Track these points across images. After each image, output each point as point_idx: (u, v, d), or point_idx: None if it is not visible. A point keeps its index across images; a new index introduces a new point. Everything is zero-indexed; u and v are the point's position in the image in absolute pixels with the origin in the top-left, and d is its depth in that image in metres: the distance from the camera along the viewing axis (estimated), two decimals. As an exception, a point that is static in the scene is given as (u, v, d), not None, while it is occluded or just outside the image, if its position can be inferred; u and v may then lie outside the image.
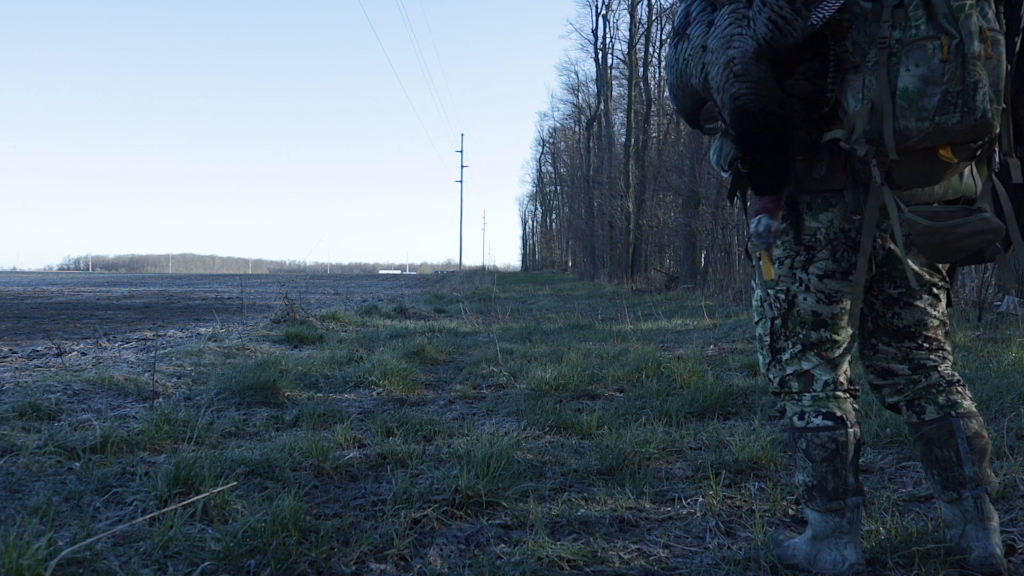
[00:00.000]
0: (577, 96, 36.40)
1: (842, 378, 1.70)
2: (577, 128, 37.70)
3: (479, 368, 4.69)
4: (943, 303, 1.73)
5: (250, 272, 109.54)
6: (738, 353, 5.32)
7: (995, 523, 1.65)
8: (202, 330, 7.29)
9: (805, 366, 1.68)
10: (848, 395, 1.70)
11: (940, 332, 1.73)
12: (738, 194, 1.81)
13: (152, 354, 4.97)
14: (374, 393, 3.99)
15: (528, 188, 76.40)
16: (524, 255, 71.77)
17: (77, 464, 2.45)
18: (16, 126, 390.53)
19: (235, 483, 2.18)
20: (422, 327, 7.48)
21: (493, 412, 3.58)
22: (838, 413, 1.65)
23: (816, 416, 1.65)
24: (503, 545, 1.85)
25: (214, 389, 3.76)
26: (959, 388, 1.72)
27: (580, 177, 34.36)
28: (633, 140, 22.07)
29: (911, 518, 1.85)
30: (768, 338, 1.73)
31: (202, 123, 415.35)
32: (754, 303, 1.78)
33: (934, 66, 1.39)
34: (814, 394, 1.67)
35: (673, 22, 1.75)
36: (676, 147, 19.22)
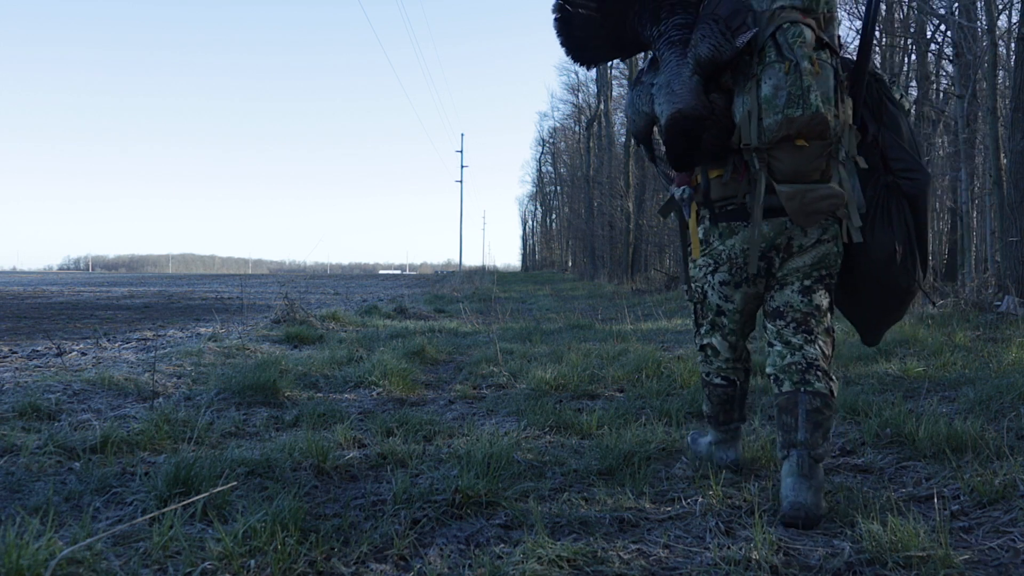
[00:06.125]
0: (577, 96, 36.39)
1: (737, 355, 2.38)
2: (577, 128, 37.66)
3: (479, 368, 4.69)
4: (817, 299, 2.20)
5: (250, 272, 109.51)
6: (738, 353, 5.31)
7: (816, 482, 2.00)
8: (202, 330, 7.29)
9: (711, 340, 2.39)
10: (741, 365, 2.40)
11: (810, 320, 2.19)
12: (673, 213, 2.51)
13: (152, 354, 4.97)
14: (374, 393, 3.99)
15: (528, 188, 76.47)
16: (524, 255, 71.72)
17: (77, 464, 2.45)
18: (16, 126, 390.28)
19: (235, 483, 2.18)
20: (422, 327, 7.47)
21: (493, 412, 3.58)
22: (732, 377, 2.40)
23: (717, 377, 2.41)
24: (503, 545, 1.85)
25: (214, 389, 3.76)
26: (817, 372, 2.14)
27: (580, 177, 34.34)
28: (633, 140, 22.03)
29: (911, 518, 1.85)
30: (694, 316, 2.45)
31: (202, 123, 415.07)
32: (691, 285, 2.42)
33: (780, 77, 2.06)
34: (718, 364, 2.39)
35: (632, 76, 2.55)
36: (676, 147, 19.15)
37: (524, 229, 71.67)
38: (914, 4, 13.33)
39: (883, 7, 14.87)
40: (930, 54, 14.88)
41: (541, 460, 2.59)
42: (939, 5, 12.22)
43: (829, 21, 2.20)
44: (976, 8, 10.93)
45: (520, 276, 43.47)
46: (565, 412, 3.28)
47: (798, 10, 2.12)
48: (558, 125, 44.18)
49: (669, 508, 2.13)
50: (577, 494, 2.23)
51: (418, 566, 1.73)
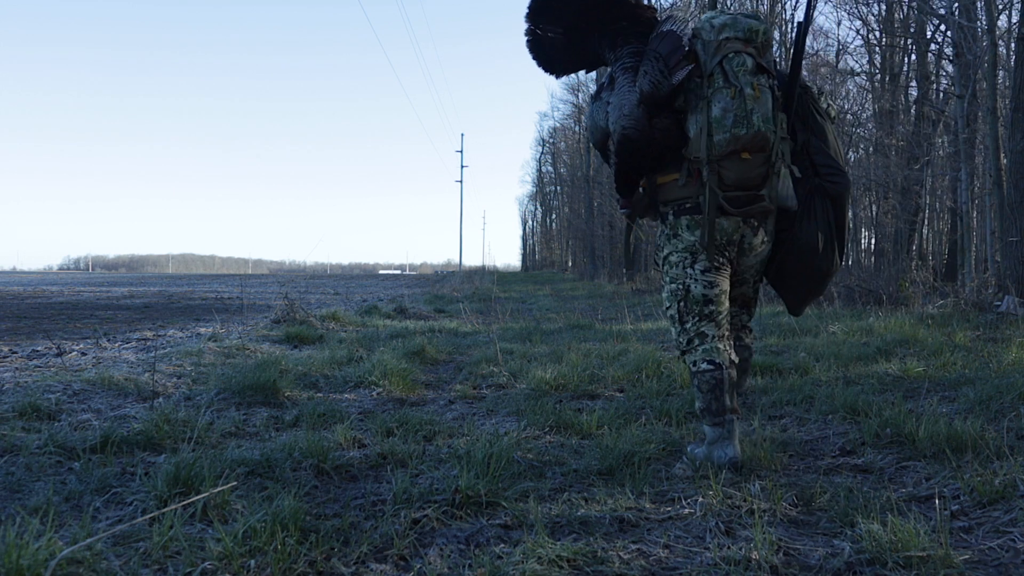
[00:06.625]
0: (577, 96, 36.38)
1: (723, 331, 2.58)
2: (577, 128, 37.61)
3: (479, 368, 4.69)
4: (757, 287, 2.81)
5: (250, 272, 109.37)
6: (738, 353, 5.30)
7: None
8: (202, 330, 7.29)
9: (701, 329, 2.56)
10: (725, 340, 2.57)
11: (751, 303, 2.83)
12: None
13: (152, 354, 4.97)
14: (374, 393, 3.99)
15: (528, 188, 76.46)
16: (524, 255, 71.72)
17: (77, 464, 2.44)
18: (16, 126, 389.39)
19: (235, 483, 2.18)
20: (422, 327, 7.47)
21: (493, 412, 3.58)
22: (717, 360, 2.51)
23: (703, 363, 2.51)
24: (503, 545, 1.85)
25: (214, 389, 3.76)
26: (748, 329, 2.86)
27: (580, 177, 34.33)
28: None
29: (911, 518, 1.85)
30: (677, 316, 2.60)
31: (202, 123, 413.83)
32: (664, 295, 2.67)
33: (727, 101, 2.41)
34: (705, 347, 2.53)
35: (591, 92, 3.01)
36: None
37: (524, 229, 71.72)
38: (914, 4, 13.33)
39: (883, 7, 14.85)
40: (930, 54, 14.88)
41: (541, 460, 2.59)
42: (939, 5, 12.22)
43: (767, 48, 2.56)
44: (976, 8, 10.94)
45: (520, 276, 43.46)
46: (565, 412, 3.28)
47: (740, 40, 2.48)
48: (558, 125, 44.21)
49: (669, 508, 2.13)
50: (577, 494, 2.23)
51: (418, 566, 1.73)
